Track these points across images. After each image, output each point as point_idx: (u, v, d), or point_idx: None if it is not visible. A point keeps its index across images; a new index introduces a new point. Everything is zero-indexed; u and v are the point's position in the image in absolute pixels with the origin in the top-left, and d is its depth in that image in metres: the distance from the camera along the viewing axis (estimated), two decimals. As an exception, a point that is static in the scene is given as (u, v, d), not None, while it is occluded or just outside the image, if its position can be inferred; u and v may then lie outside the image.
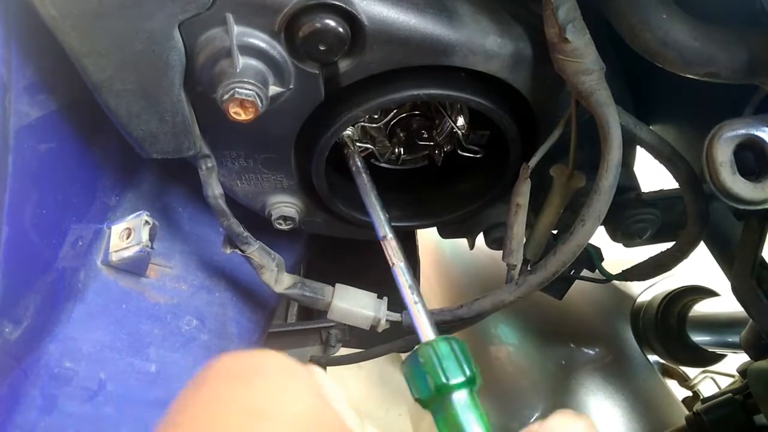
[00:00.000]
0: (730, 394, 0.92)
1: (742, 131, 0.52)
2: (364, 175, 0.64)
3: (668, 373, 1.44)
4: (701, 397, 1.32)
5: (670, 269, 0.70)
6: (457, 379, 0.40)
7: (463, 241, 0.84)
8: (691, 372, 1.42)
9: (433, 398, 0.40)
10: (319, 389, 0.30)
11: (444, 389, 0.39)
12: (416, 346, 0.44)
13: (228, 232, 0.64)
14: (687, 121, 0.72)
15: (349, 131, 0.66)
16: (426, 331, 0.50)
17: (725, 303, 1.29)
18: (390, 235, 0.58)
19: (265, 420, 0.27)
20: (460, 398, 0.39)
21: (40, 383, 0.58)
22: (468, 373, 0.40)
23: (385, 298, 0.66)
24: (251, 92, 0.51)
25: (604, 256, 0.79)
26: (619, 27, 0.55)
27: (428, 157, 0.78)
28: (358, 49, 0.54)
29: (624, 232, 0.74)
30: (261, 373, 0.29)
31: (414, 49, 0.54)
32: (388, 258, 0.56)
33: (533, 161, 0.62)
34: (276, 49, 0.52)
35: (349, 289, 0.67)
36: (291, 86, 0.55)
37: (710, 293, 1.36)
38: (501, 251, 0.66)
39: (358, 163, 0.65)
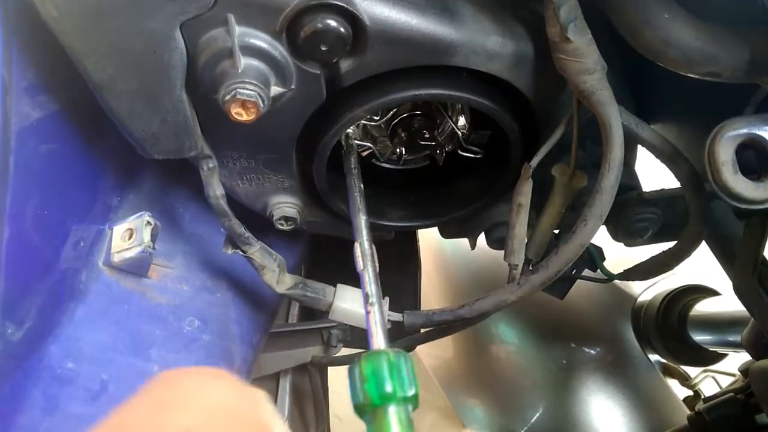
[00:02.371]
0: (732, 394, 0.92)
1: (744, 130, 0.52)
2: (354, 175, 0.64)
3: (669, 372, 1.45)
4: (702, 397, 1.32)
5: (672, 268, 0.70)
6: (401, 393, 0.39)
7: (465, 241, 0.84)
8: (692, 371, 1.43)
9: (371, 407, 0.39)
10: (245, 394, 0.30)
11: (384, 400, 0.39)
12: (367, 352, 0.44)
13: (229, 232, 0.64)
14: (688, 121, 0.72)
15: (350, 131, 0.66)
16: (379, 340, 0.51)
17: (726, 302, 1.29)
18: (365, 240, 0.58)
19: (174, 409, 0.28)
20: (397, 413, 0.39)
21: (42, 384, 0.57)
22: (411, 391, 0.40)
23: (387, 298, 0.66)
24: (253, 93, 0.50)
25: (605, 255, 0.79)
26: (621, 26, 0.55)
27: (430, 157, 0.78)
28: (359, 49, 0.54)
29: (625, 232, 0.74)
30: (184, 378, 0.30)
31: (415, 49, 0.54)
32: (356, 261, 0.56)
33: (535, 161, 0.62)
34: (277, 49, 0.52)
35: (350, 290, 0.67)
36: (293, 86, 0.55)
37: (711, 292, 1.36)
38: (502, 251, 0.66)
39: (351, 163, 0.65)
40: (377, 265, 0.57)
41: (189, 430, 0.27)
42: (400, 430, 0.38)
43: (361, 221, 0.60)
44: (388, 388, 0.39)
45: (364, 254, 0.57)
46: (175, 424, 0.27)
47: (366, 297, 0.54)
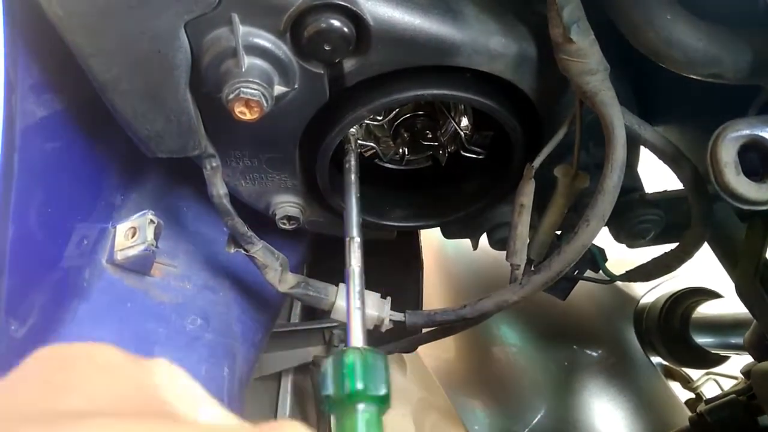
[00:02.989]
0: (734, 395, 0.92)
1: (746, 132, 0.52)
2: (353, 174, 0.64)
3: (671, 374, 1.44)
4: (704, 399, 1.32)
5: (674, 270, 0.70)
6: (373, 392, 0.39)
7: (467, 242, 0.85)
8: (694, 374, 1.42)
9: (342, 402, 0.39)
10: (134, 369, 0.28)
11: (356, 397, 0.39)
12: (345, 347, 0.44)
13: (232, 231, 0.64)
14: (691, 122, 0.72)
15: (353, 130, 0.66)
16: (357, 338, 0.51)
17: (729, 304, 1.29)
18: (356, 238, 0.58)
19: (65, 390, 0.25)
20: (368, 412, 0.39)
21: (45, 381, 0.58)
22: (384, 391, 0.40)
23: (389, 298, 0.66)
24: (256, 92, 0.51)
25: (607, 256, 0.79)
26: (623, 27, 0.55)
27: (432, 158, 0.78)
28: (363, 49, 0.54)
29: (628, 233, 0.74)
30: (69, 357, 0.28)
31: (419, 49, 0.55)
32: (347, 258, 0.57)
33: (537, 161, 0.63)
34: (281, 48, 0.53)
35: (352, 289, 0.67)
36: (296, 86, 0.55)
37: (714, 295, 1.36)
38: (504, 252, 0.66)
39: (352, 162, 0.65)
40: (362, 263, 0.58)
41: (83, 412, 0.24)
42: (366, 429, 0.38)
43: (354, 219, 0.60)
44: (361, 386, 0.39)
45: (354, 252, 0.57)
46: (67, 407, 0.24)
47: (353, 296, 0.54)
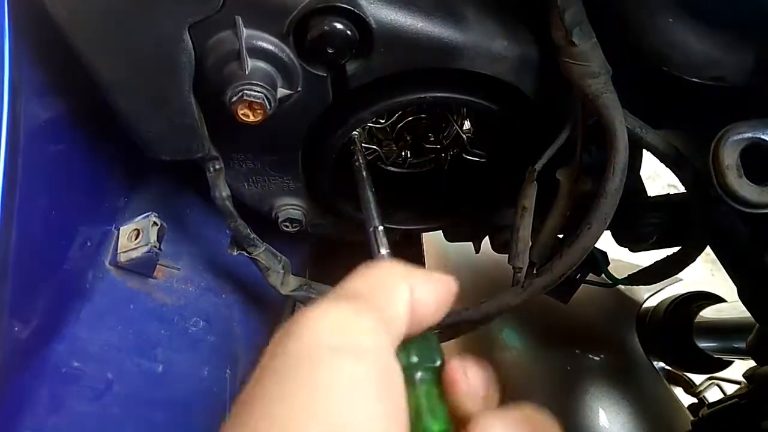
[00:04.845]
0: (737, 400, 0.92)
1: (749, 134, 0.52)
2: (364, 171, 0.64)
3: (674, 379, 1.44)
4: (707, 404, 1.32)
5: (677, 273, 0.70)
6: (429, 363, 0.40)
7: (469, 245, 0.85)
8: (696, 379, 1.42)
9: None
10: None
11: (411, 369, 0.39)
12: None
13: (235, 233, 0.64)
14: (693, 125, 0.72)
15: (355, 133, 0.66)
16: None
17: (732, 309, 1.28)
18: (380, 227, 0.58)
19: None
20: (425, 382, 0.39)
21: (48, 382, 0.58)
22: (439, 362, 0.40)
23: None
24: (260, 94, 0.51)
25: (609, 260, 0.79)
26: (625, 30, 0.55)
27: (435, 161, 0.78)
28: (365, 52, 0.54)
29: (630, 236, 0.74)
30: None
31: (421, 52, 0.55)
32: (374, 247, 0.56)
33: (539, 164, 0.63)
34: (284, 51, 0.53)
35: (354, 291, 0.67)
36: (299, 89, 0.56)
37: (717, 299, 1.36)
38: (506, 255, 0.66)
39: (360, 160, 0.65)
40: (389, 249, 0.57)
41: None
42: (425, 399, 0.38)
43: (374, 209, 0.59)
44: (413, 359, 0.40)
45: (381, 240, 0.57)
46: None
47: None
